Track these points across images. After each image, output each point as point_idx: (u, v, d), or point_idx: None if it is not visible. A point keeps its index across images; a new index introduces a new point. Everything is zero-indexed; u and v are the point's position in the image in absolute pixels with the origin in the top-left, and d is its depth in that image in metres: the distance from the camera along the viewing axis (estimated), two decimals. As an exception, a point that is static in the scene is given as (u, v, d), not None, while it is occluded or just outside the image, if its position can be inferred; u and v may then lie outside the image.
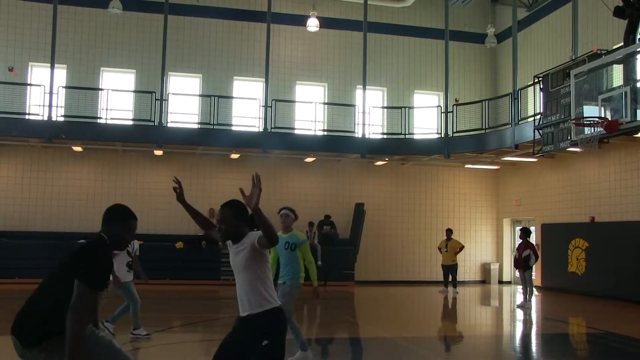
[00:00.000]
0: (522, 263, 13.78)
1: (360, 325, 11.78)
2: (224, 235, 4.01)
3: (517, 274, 14.56)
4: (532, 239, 18.40)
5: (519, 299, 13.70)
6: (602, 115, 11.69)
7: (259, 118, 17.59)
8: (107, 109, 16.98)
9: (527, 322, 12.12)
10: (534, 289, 13.83)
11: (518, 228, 16.58)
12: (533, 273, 14.07)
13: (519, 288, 13.86)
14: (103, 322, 8.36)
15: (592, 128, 11.86)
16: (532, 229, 18.64)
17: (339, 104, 18.99)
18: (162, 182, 18.37)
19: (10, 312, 3.63)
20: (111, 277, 8.62)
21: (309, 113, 18.35)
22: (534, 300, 13.50)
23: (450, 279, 16.56)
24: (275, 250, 7.13)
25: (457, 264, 16.72)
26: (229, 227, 3.97)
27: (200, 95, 18.51)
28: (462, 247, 16.92)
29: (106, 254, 3.48)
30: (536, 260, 13.92)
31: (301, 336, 7.14)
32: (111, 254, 3.61)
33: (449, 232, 16.86)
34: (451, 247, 16.62)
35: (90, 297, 3.25)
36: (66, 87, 17.11)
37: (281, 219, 7.21)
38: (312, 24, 18.90)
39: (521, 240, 14.16)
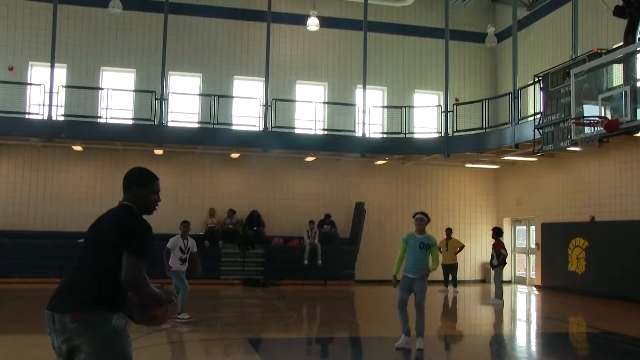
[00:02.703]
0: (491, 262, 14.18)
1: (361, 325, 11.79)
2: None
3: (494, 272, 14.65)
4: (533, 238, 18.58)
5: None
6: (602, 115, 11.67)
7: (259, 117, 17.57)
8: (107, 109, 16.97)
9: (526, 321, 12.13)
10: (502, 290, 13.96)
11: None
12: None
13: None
14: (177, 315, 9.68)
15: (592, 127, 11.85)
16: (532, 228, 18.74)
17: (339, 104, 18.99)
18: (162, 182, 18.16)
19: (10, 312, 3.63)
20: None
21: (309, 112, 18.33)
22: (500, 300, 13.70)
23: (450, 278, 16.55)
24: (407, 247, 8.29)
25: (457, 264, 16.70)
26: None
27: (200, 95, 18.51)
28: (462, 247, 16.90)
29: (143, 220, 3.43)
30: (498, 260, 13.91)
31: (408, 324, 8.12)
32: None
33: (449, 231, 16.84)
34: (451, 246, 16.60)
35: (142, 266, 3.24)
36: (66, 87, 17.10)
37: (416, 222, 8.19)
38: (312, 23, 18.91)
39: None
